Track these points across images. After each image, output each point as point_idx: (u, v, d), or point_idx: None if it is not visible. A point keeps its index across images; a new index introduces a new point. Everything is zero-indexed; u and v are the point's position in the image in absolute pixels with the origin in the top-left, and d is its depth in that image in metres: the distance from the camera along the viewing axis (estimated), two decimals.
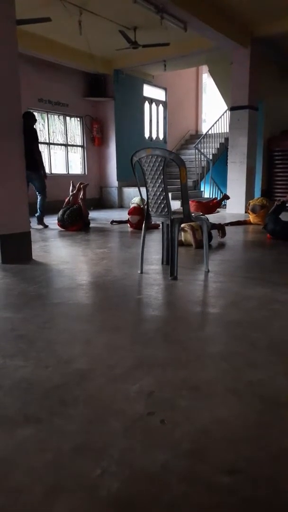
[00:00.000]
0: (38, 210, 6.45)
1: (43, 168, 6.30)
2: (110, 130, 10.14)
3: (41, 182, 6.31)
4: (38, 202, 6.43)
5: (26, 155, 4.69)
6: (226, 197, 7.82)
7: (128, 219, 6.15)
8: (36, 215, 6.46)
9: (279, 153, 9.92)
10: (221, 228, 5.06)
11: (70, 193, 6.56)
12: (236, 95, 8.09)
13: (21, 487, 1.07)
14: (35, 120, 6.38)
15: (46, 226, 6.39)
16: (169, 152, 3.12)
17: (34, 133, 6.08)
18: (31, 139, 5.75)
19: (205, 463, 1.15)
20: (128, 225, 6.20)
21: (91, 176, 10.19)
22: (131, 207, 6.41)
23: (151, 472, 1.11)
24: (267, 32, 7.51)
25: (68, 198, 6.50)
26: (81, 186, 6.48)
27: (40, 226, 6.39)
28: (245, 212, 7.52)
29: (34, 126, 6.31)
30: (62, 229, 6.01)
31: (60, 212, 6.06)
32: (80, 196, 6.32)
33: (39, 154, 6.17)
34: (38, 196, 6.41)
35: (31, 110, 8.50)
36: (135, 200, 6.88)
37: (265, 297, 2.69)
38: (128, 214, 6.18)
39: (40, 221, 6.45)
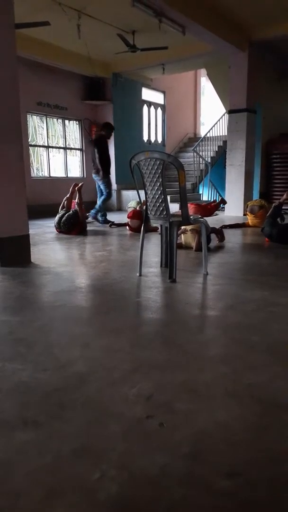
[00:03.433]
0: (95, 207, 7.16)
1: (104, 171, 6.97)
2: None
3: (103, 184, 7.11)
4: (98, 201, 7.29)
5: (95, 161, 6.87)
6: (223, 202, 7.84)
7: (128, 222, 6.13)
8: (92, 211, 7.20)
9: (277, 156, 9.94)
10: (219, 232, 5.06)
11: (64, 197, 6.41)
12: (234, 98, 8.13)
13: (20, 491, 1.07)
14: (108, 129, 7.15)
15: (98, 221, 7.00)
16: (167, 155, 3.13)
17: (101, 141, 6.96)
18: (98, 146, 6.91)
19: (204, 466, 1.15)
20: (127, 228, 6.20)
21: (90, 179, 10.15)
22: (128, 211, 6.39)
23: (150, 475, 1.11)
24: (265, 36, 7.54)
25: (62, 202, 6.29)
26: (75, 188, 6.24)
27: (93, 221, 7.05)
28: (244, 214, 7.52)
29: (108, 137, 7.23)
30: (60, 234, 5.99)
31: (57, 218, 5.97)
32: (76, 200, 6.12)
33: (100, 160, 6.90)
34: (102, 196, 7.15)
35: (31, 113, 8.52)
36: (132, 203, 6.88)
37: (264, 300, 2.70)
38: (128, 217, 6.13)
39: (94, 217, 7.11)
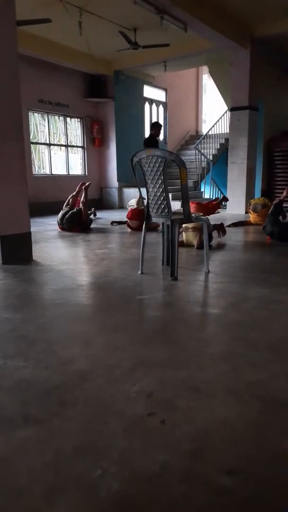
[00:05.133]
0: None
1: None
2: (110, 131, 10.15)
3: None
4: None
5: None
6: (225, 199, 7.83)
7: (127, 222, 6.11)
8: None
9: (279, 154, 9.91)
10: (220, 228, 5.06)
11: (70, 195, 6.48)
12: (236, 95, 8.10)
13: (21, 488, 1.07)
14: (157, 128, 7.71)
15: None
16: (169, 152, 3.12)
17: (156, 141, 7.48)
18: (154, 145, 7.41)
19: (205, 464, 1.15)
20: (127, 226, 6.19)
21: (91, 177, 10.19)
22: (128, 209, 6.37)
23: (151, 473, 1.11)
24: (267, 33, 7.52)
25: (68, 199, 6.35)
26: (82, 187, 6.28)
27: None
28: (246, 212, 7.52)
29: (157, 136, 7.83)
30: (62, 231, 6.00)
31: (60, 216, 5.99)
32: (82, 199, 6.11)
33: None
34: None
35: (32, 110, 8.53)
36: (132, 202, 6.87)
37: (265, 298, 2.69)
38: (127, 218, 6.10)
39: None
